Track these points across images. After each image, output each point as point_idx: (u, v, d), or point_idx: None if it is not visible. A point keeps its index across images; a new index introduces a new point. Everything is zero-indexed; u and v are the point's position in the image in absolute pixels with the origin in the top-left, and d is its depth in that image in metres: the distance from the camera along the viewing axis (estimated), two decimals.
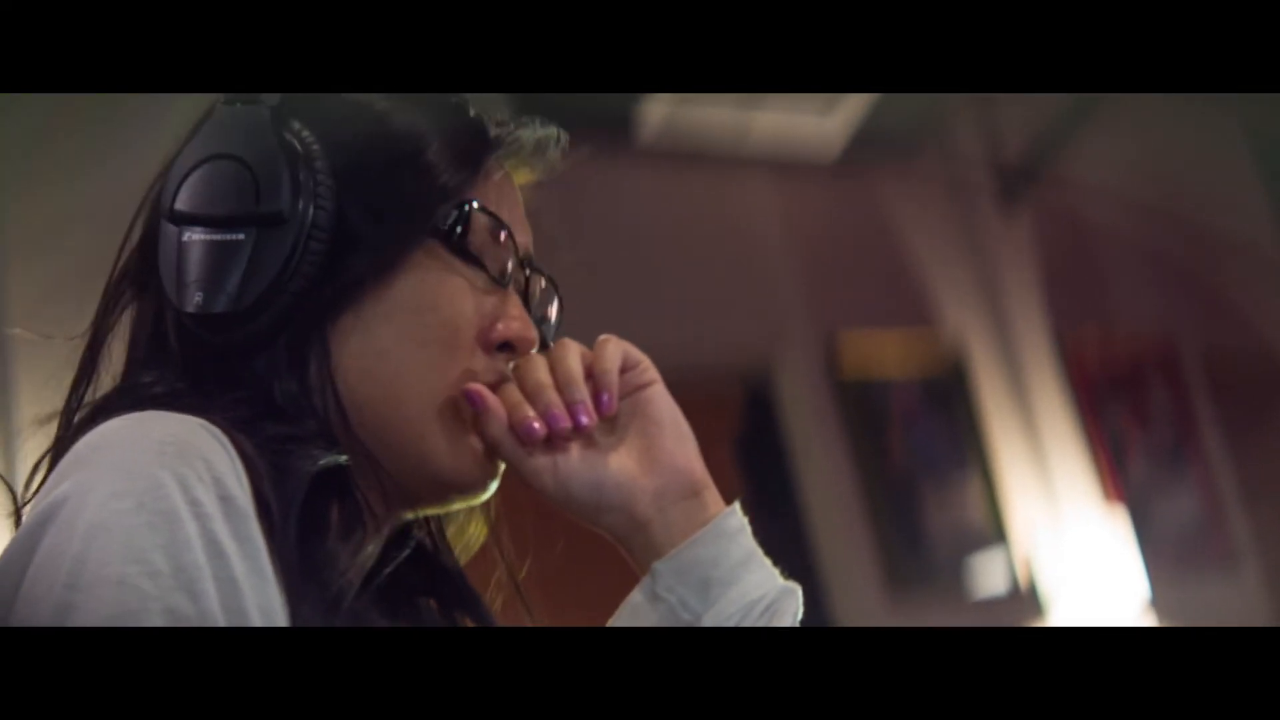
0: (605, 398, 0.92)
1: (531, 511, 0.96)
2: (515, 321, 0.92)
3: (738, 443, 3.61)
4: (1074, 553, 3.87)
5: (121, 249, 0.93)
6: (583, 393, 0.92)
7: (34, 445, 0.90)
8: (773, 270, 3.75)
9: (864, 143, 3.79)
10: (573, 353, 0.94)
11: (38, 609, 0.71)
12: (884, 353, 3.85)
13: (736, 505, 0.94)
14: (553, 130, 0.98)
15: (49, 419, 0.91)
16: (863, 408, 3.74)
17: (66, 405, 0.91)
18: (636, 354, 0.95)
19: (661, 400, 0.95)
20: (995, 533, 3.83)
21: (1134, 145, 4.11)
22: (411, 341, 0.88)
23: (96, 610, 0.69)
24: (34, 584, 0.71)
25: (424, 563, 0.95)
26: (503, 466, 0.93)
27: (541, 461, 0.92)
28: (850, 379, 3.74)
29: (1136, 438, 4.28)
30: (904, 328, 3.93)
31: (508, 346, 0.92)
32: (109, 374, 0.91)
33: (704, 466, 0.94)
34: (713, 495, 0.93)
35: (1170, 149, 4.09)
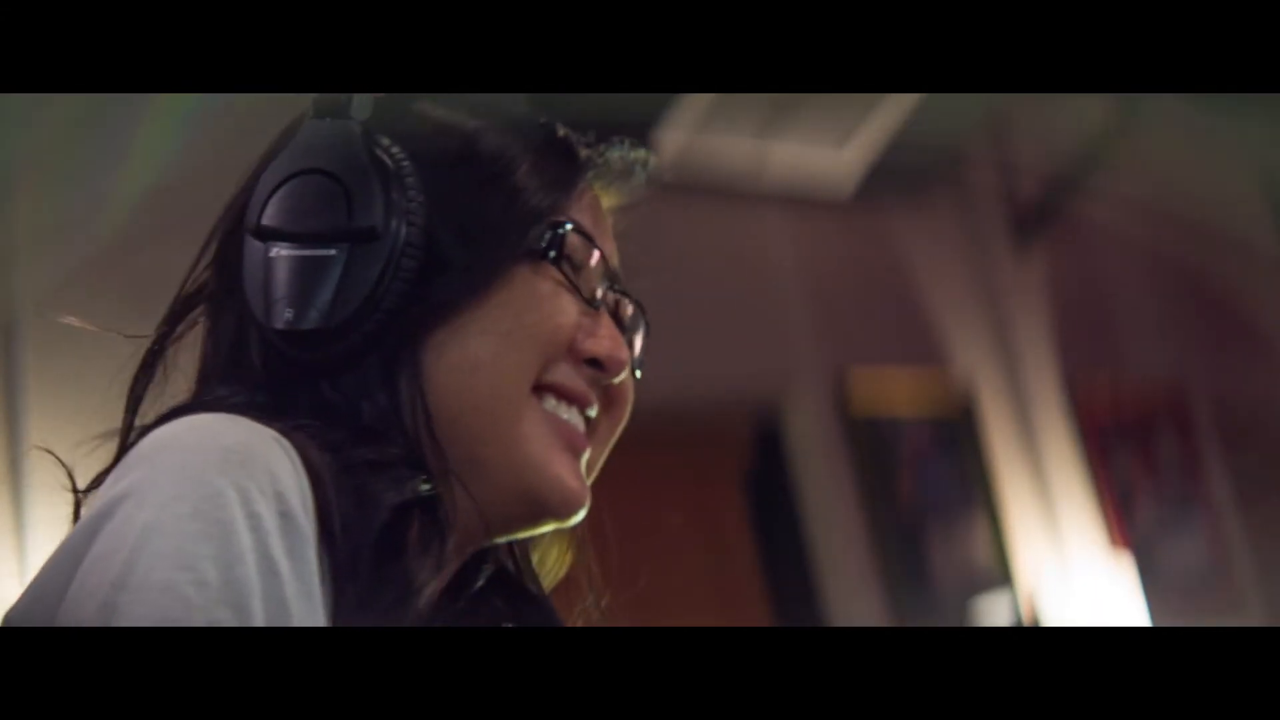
0: None
1: (617, 539, 0.94)
2: (606, 340, 0.91)
3: (746, 478, 3.59)
4: (1079, 597, 3.85)
5: (196, 263, 0.92)
6: None
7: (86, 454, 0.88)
8: (784, 306, 3.74)
9: (879, 178, 3.78)
10: None
11: (85, 606, 0.70)
12: (894, 392, 3.84)
13: None
14: (641, 153, 0.97)
15: (108, 436, 0.89)
16: (872, 446, 3.72)
17: (126, 415, 0.89)
18: None
19: None
20: (1001, 575, 3.81)
21: (1150, 189, 4.12)
22: (507, 347, 0.87)
23: (140, 614, 0.68)
24: (85, 579, 0.71)
25: (507, 588, 0.93)
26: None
27: None
28: (860, 417, 3.72)
29: (1144, 484, 4.27)
30: (915, 367, 3.92)
31: (596, 363, 0.91)
32: (180, 384, 0.90)
33: None
34: None
35: (1186, 193, 4.10)
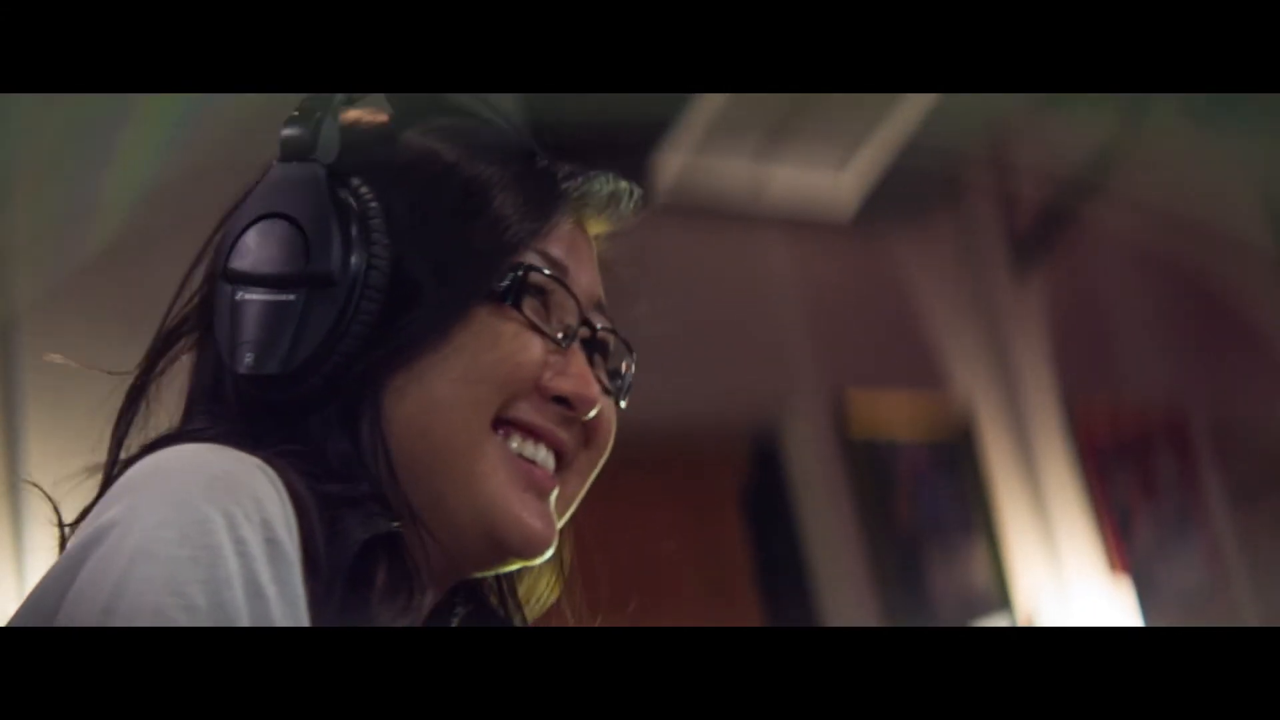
0: None
1: (605, 568, 0.94)
2: (571, 379, 0.91)
3: (744, 500, 3.59)
4: (1077, 620, 3.84)
5: (177, 295, 0.93)
6: None
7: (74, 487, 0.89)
8: (783, 327, 3.74)
9: (879, 200, 3.79)
10: None
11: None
12: (893, 414, 3.84)
13: None
14: (625, 185, 0.97)
15: (94, 470, 0.90)
16: (870, 468, 3.73)
17: (111, 450, 0.90)
18: None
19: None
20: (999, 598, 3.81)
21: (1150, 212, 4.12)
22: (465, 386, 0.87)
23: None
24: (74, 605, 0.72)
25: (490, 621, 0.93)
26: (561, 522, 0.92)
27: None
28: (858, 439, 3.72)
29: (1143, 506, 4.26)
30: (913, 389, 3.92)
31: (564, 401, 0.91)
32: (163, 418, 0.91)
33: None
34: None
35: (1186, 216, 4.10)
